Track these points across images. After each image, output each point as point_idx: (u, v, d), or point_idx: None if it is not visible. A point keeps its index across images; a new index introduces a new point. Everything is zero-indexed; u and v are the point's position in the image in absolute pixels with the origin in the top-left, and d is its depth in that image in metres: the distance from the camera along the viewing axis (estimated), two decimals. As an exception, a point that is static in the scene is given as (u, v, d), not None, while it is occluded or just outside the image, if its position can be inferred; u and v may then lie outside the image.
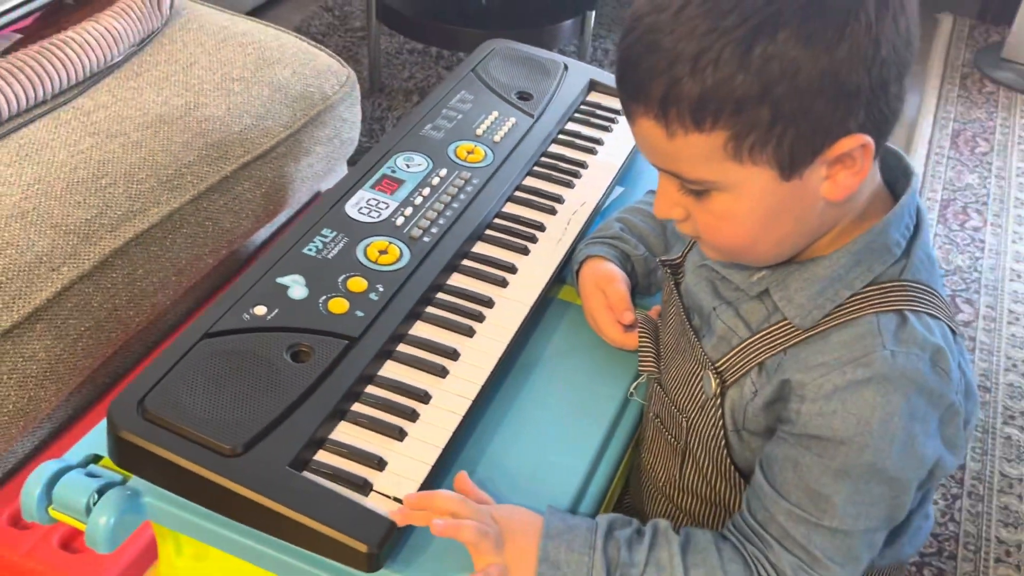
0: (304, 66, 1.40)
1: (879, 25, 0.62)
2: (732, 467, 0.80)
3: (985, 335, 1.79)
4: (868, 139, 0.65)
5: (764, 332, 0.74)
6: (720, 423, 0.78)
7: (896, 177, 0.75)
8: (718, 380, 0.77)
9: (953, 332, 0.72)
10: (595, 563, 0.72)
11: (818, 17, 0.61)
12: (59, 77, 1.21)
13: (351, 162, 1.79)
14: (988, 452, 1.56)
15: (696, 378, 0.80)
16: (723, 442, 0.79)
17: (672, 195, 0.72)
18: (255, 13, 2.42)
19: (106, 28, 1.27)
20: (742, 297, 0.77)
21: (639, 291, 0.98)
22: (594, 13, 2.15)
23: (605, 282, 0.94)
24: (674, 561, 0.73)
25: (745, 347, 0.75)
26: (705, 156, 0.66)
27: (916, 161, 2.19)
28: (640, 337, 0.89)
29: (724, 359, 0.77)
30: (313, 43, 1.46)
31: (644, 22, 0.65)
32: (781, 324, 0.73)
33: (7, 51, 1.21)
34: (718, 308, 0.79)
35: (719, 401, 0.78)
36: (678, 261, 0.87)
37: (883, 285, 0.71)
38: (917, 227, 0.73)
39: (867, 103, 0.64)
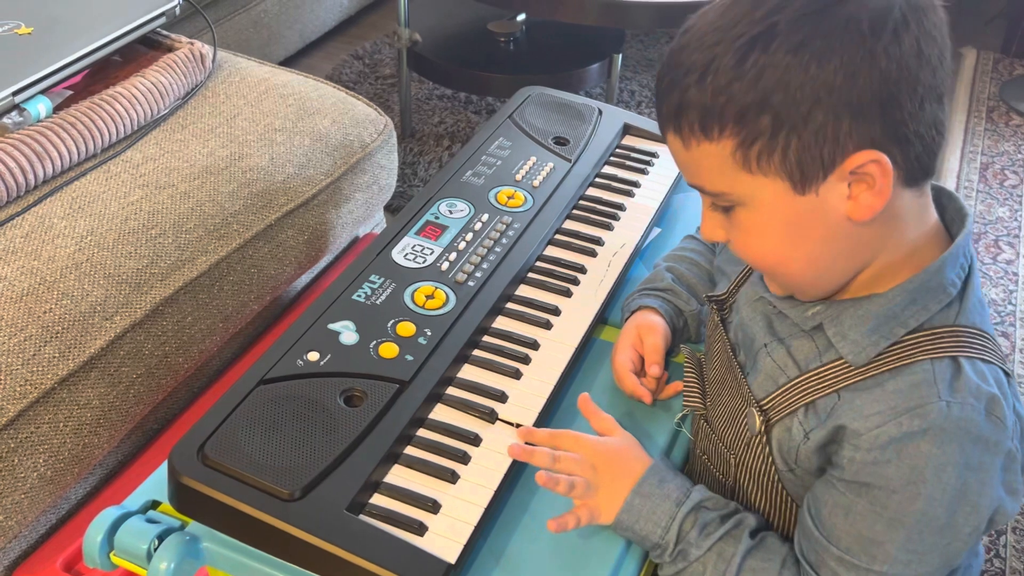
0: (343, 115, 1.43)
1: (874, 39, 0.63)
2: (789, 500, 0.81)
3: (1022, 368, 1.78)
4: (882, 156, 0.65)
5: (814, 371, 0.75)
6: (769, 459, 0.79)
7: (952, 218, 0.76)
8: (763, 418, 0.78)
9: (1007, 375, 0.72)
10: (669, 532, 0.78)
11: (809, 28, 0.63)
12: (109, 131, 1.24)
13: (387, 207, 1.82)
14: (1031, 486, 1.55)
15: (741, 415, 0.81)
16: (775, 477, 0.79)
17: (711, 216, 0.74)
18: (287, 63, 2.48)
19: (152, 83, 1.31)
20: (795, 333, 0.78)
21: (691, 340, 1.00)
22: (621, 56, 2.19)
23: (646, 330, 0.96)
24: (734, 560, 0.76)
25: (793, 386, 0.76)
26: (719, 167, 0.69)
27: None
28: (686, 374, 0.90)
29: (769, 397, 0.78)
30: (351, 93, 1.49)
31: (674, 45, 0.70)
32: (833, 364, 0.74)
33: (59, 107, 1.26)
34: (769, 345, 0.79)
35: (764, 439, 0.78)
36: (723, 297, 0.88)
37: (937, 330, 0.71)
38: (970, 269, 0.74)
39: (881, 119, 0.65)
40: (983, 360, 0.71)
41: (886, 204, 0.67)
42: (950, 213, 0.76)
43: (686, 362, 0.91)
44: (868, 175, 0.66)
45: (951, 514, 0.69)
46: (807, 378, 0.75)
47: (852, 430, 0.71)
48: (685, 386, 0.90)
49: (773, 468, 0.79)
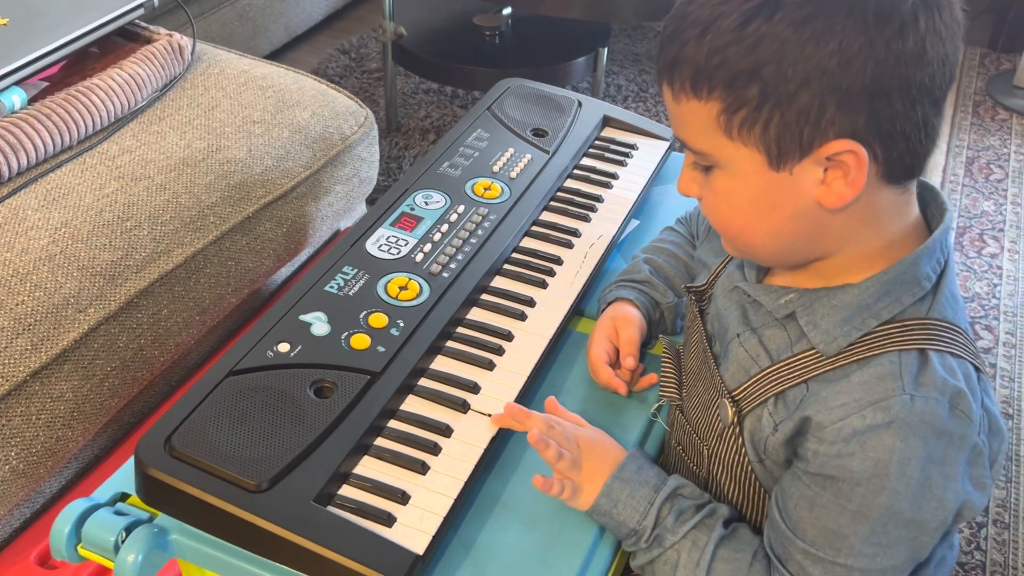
0: (323, 108, 1.42)
1: (877, 30, 0.62)
2: (761, 492, 0.80)
3: (1005, 361, 1.78)
4: (859, 148, 0.65)
5: (784, 362, 0.74)
6: (742, 450, 0.79)
7: (933, 213, 0.75)
8: (735, 409, 0.78)
9: (977, 370, 0.72)
10: (647, 517, 0.79)
11: (816, 5, 0.62)
12: (85, 123, 1.24)
13: (370, 200, 1.81)
14: (1013, 479, 1.55)
15: (714, 406, 0.81)
16: (748, 469, 0.79)
17: (690, 171, 0.74)
18: (272, 57, 2.47)
19: (130, 74, 1.30)
20: (768, 322, 0.77)
21: (667, 332, 1.00)
22: (607, 50, 2.18)
23: (622, 322, 0.95)
24: (708, 548, 0.76)
25: (764, 376, 0.76)
26: (703, 125, 0.68)
27: (931, 189, 2.19)
28: (663, 364, 0.90)
29: (741, 388, 0.78)
30: (331, 85, 1.48)
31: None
32: (803, 354, 0.73)
33: (35, 98, 1.25)
34: (742, 335, 0.79)
35: (737, 430, 0.78)
36: (703, 288, 0.88)
37: (908, 322, 0.70)
38: (945, 263, 0.73)
39: (868, 112, 0.64)
40: (952, 354, 0.70)
41: (860, 197, 0.67)
42: (931, 208, 0.75)
43: (664, 353, 0.91)
44: (844, 164, 0.66)
45: (916, 508, 0.68)
46: (778, 368, 0.75)
47: (816, 422, 0.70)
48: (662, 376, 0.90)
49: (746, 459, 0.79)
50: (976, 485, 0.71)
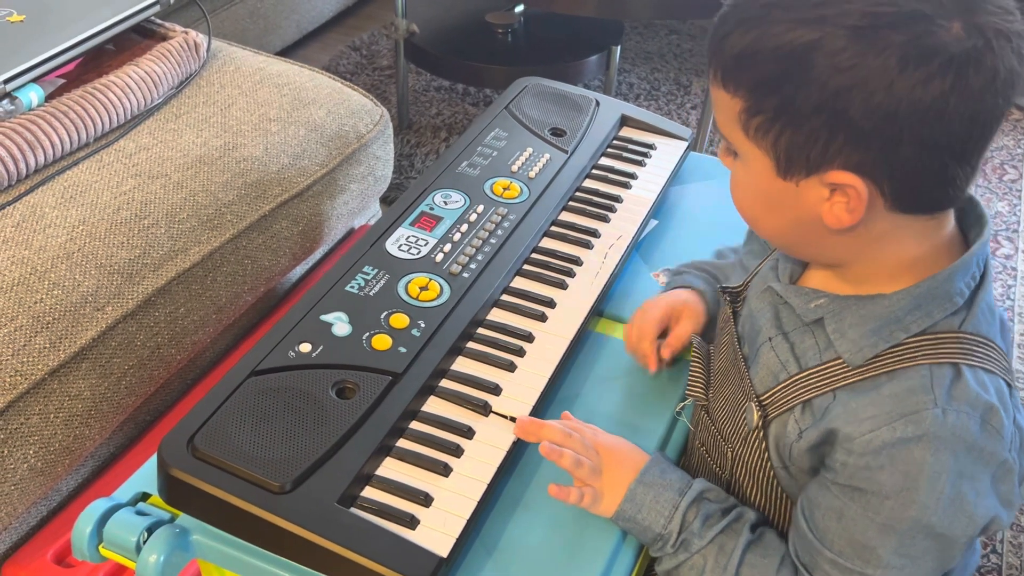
0: (338, 106, 1.42)
1: (900, 76, 0.60)
2: (784, 497, 0.80)
3: (1020, 364, 1.77)
4: (861, 184, 0.64)
5: (813, 370, 0.74)
6: (765, 455, 0.78)
7: (970, 223, 0.73)
8: (761, 413, 0.77)
9: (1009, 386, 0.70)
10: (672, 522, 0.78)
11: (853, 36, 0.61)
12: (101, 120, 1.23)
13: (383, 199, 1.81)
14: (1028, 482, 1.54)
15: (741, 409, 0.80)
16: (771, 474, 0.79)
17: (725, 145, 0.74)
18: (284, 53, 2.47)
19: (146, 72, 1.30)
20: (799, 326, 0.76)
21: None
22: (619, 48, 2.17)
23: (687, 315, 0.95)
24: (735, 553, 0.76)
25: (792, 383, 0.75)
26: (727, 116, 0.69)
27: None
28: (692, 362, 0.89)
29: (769, 393, 0.77)
30: (346, 83, 1.48)
31: None
32: (831, 363, 0.73)
33: (51, 96, 1.24)
34: (774, 339, 0.78)
35: (762, 434, 0.78)
36: (739, 289, 0.87)
37: (941, 335, 0.69)
38: (983, 276, 0.71)
39: (876, 150, 0.63)
40: (985, 369, 0.69)
41: (866, 223, 0.67)
42: (970, 218, 0.73)
43: (694, 351, 0.90)
44: (847, 193, 0.65)
45: (945, 522, 0.68)
46: (806, 376, 0.74)
47: (845, 434, 0.70)
48: (690, 375, 0.89)
49: (769, 464, 0.78)
50: (1004, 502, 0.70)
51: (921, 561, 0.70)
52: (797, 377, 0.75)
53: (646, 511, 0.79)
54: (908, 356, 0.69)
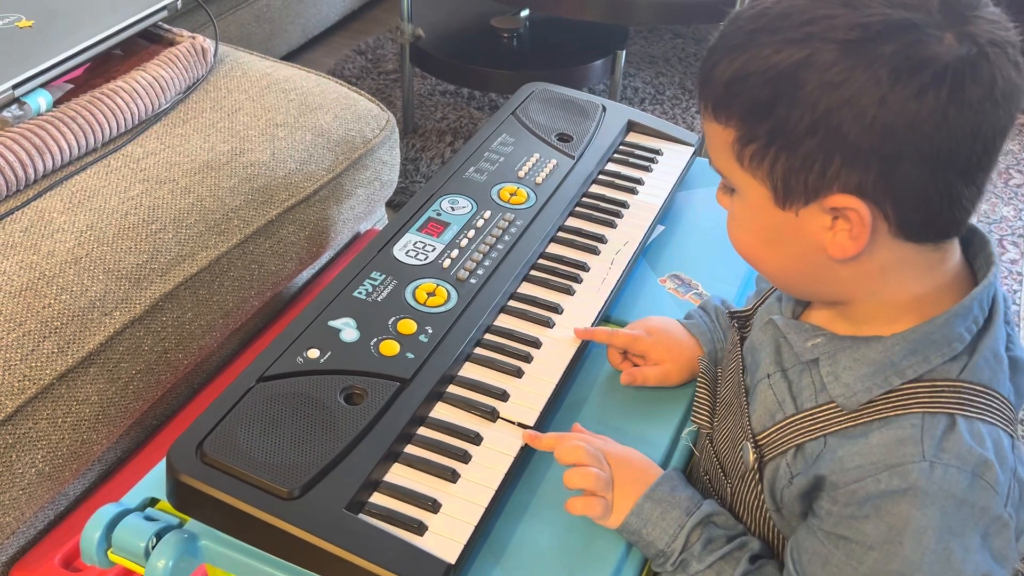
0: (345, 111, 1.42)
1: (890, 89, 0.58)
2: (780, 537, 0.78)
3: (1027, 369, 1.77)
4: (863, 207, 0.62)
5: (808, 412, 0.71)
6: (761, 497, 0.76)
7: (980, 265, 0.70)
8: (757, 454, 0.75)
9: (1011, 437, 0.67)
10: (675, 540, 0.77)
11: (842, 51, 0.59)
12: (109, 125, 1.24)
13: (389, 203, 1.81)
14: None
15: (739, 447, 0.78)
16: (767, 515, 0.77)
17: (722, 184, 0.73)
18: (289, 57, 2.47)
19: (153, 77, 1.30)
20: (797, 364, 0.74)
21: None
22: (624, 52, 2.18)
23: (670, 359, 0.94)
24: None
25: (787, 424, 0.73)
26: (720, 149, 0.67)
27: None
28: (698, 388, 0.88)
29: (765, 433, 0.75)
30: (352, 88, 1.48)
31: (735, 15, 0.67)
32: (826, 406, 0.70)
33: (59, 101, 1.25)
34: (772, 376, 0.76)
35: (757, 476, 0.76)
36: (748, 313, 0.85)
37: (937, 383, 0.66)
38: (989, 320, 0.68)
39: (876, 170, 0.61)
40: (983, 420, 0.66)
41: (871, 252, 0.65)
42: (980, 260, 0.70)
43: (700, 376, 0.88)
44: (849, 218, 0.63)
45: None
46: (802, 417, 0.72)
47: (831, 482, 0.68)
48: (695, 401, 0.87)
49: (765, 505, 0.77)
50: (998, 557, 0.67)
51: None
52: (794, 419, 0.72)
53: (651, 527, 0.78)
54: (902, 403, 0.67)
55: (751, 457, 0.76)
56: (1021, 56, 0.61)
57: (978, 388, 0.66)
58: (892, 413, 0.67)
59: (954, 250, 0.68)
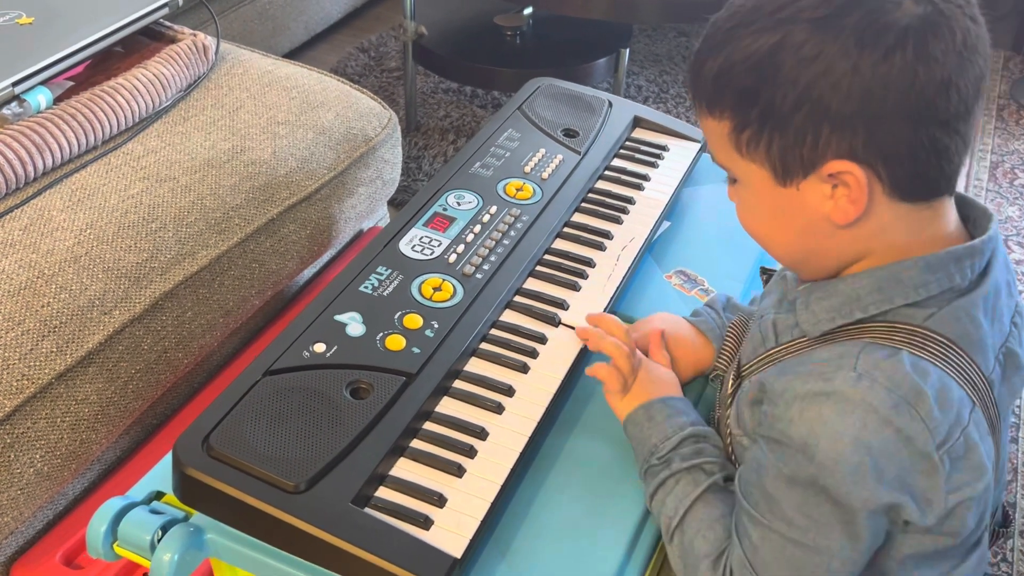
0: (347, 109, 1.42)
1: (859, 54, 0.63)
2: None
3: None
4: (856, 168, 0.65)
5: (783, 346, 0.76)
6: (728, 431, 0.81)
7: (981, 229, 0.73)
8: (736, 382, 0.80)
9: (972, 401, 0.68)
10: (668, 440, 0.81)
11: (811, 30, 0.64)
12: (109, 123, 1.23)
13: (391, 201, 1.81)
14: (1042, 486, 1.53)
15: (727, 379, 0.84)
16: (731, 452, 0.81)
17: (729, 180, 0.77)
18: (291, 55, 2.47)
19: (154, 74, 1.29)
20: (786, 304, 0.79)
21: None
22: (628, 51, 2.17)
23: (682, 350, 0.94)
24: (700, 487, 0.78)
25: (765, 357, 0.77)
26: (719, 142, 0.72)
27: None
28: (725, 337, 0.92)
29: (748, 365, 0.80)
30: (355, 86, 1.47)
31: (716, 16, 0.71)
32: (797, 340, 0.75)
33: (60, 98, 1.24)
34: (765, 317, 0.81)
35: (730, 401, 0.80)
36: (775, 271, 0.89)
37: (896, 324, 0.69)
38: (972, 291, 0.70)
39: (863, 133, 0.64)
40: (935, 365, 0.67)
41: (869, 214, 0.68)
42: (980, 225, 0.73)
43: (729, 327, 0.93)
44: (847, 182, 0.67)
45: (844, 490, 0.66)
46: (776, 351, 0.76)
47: (770, 385, 0.71)
48: (720, 348, 0.92)
49: (733, 435, 0.80)
50: (919, 498, 0.67)
51: (826, 530, 0.68)
52: (769, 352, 0.77)
53: (653, 424, 0.82)
54: (857, 335, 0.70)
55: (729, 384, 0.82)
56: (977, 10, 0.66)
57: (937, 336, 0.68)
58: (844, 339, 0.70)
59: (947, 213, 0.71)
